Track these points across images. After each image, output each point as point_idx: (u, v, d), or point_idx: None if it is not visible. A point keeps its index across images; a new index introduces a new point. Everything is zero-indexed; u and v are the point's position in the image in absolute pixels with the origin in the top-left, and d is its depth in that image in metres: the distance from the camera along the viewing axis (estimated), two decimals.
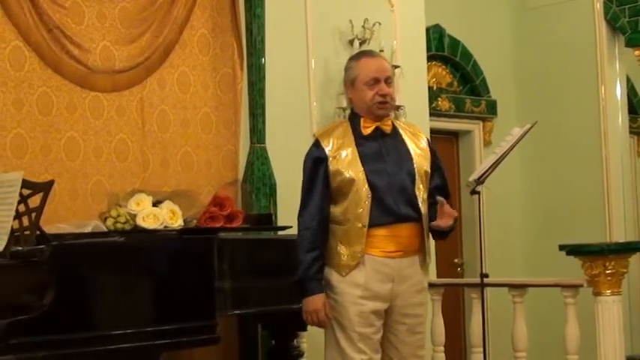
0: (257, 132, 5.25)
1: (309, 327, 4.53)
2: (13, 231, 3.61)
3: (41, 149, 4.45)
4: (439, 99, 7.76)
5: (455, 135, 8.15)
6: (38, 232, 3.61)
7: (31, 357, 3.25)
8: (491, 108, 8.16)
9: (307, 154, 3.81)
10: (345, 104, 5.63)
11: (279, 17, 5.48)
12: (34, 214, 3.61)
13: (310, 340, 5.05)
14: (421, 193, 3.74)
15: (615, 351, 4.86)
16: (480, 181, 4.21)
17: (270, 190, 5.22)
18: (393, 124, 3.85)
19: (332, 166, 3.71)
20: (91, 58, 4.66)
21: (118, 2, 4.78)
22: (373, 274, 3.66)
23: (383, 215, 3.66)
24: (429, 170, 3.81)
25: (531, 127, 4.34)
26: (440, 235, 3.82)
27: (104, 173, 4.68)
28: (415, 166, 3.76)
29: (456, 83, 8.06)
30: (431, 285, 4.63)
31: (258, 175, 5.21)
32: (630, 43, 8.09)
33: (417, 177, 3.74)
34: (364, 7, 6.03)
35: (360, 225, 3.65)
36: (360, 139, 3.76)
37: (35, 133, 4.43)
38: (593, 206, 7.83)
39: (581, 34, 7.98)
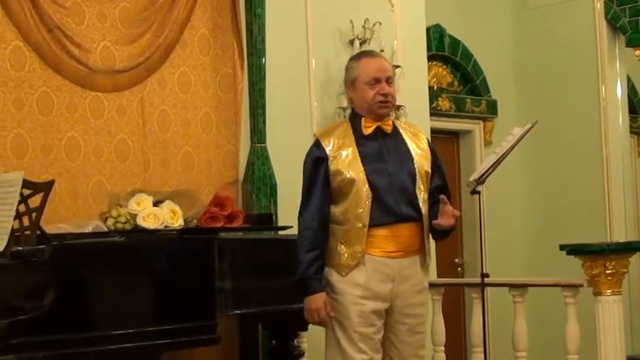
0: (257, 132, 5.25)
1: (309, 327, 4.55)
2: (13, 231, 3.61)
3: (42, 149, 4.45)
4: (439, 99, 7.76)
5: (455, 135, 8.15)
6: (39, 232, 3.61)
7: (31, 357, 3.25)
8: (492, 108, 8.16)
9: (308, 154, 3.81)
10: (345, 104, 5.64)
11: (280, 17, 5.49)
12: (34, 214, 3.61)
13: (311, 340, 5.05)
14: (422, 193, 3.74)
15: (615, 351, 4.86)
16: (480, 180, 4.21)
17: (270, 190, 5.22)
18: (393, 124, 3.85)
19: (332, 166, 3.71)
20: (92, 58, 4.66)
21: (118, 2, 4.78)
22: (373, 274, 3.66)
23: (383, 215, 3.66)
24: (429, 170, 3.81)
25: (532, 127, 4.34)
26: (440, 234, 3.82)
27: (105, 173, 4.68)
28: (416, 166, 3.76)
29: (456, 83, 8.07)
30: (431, 285, 4.63)
31: (259, 175, 5.21)
32: (631, 43, 8.09)
33: (417, 177, 3.74)
34: (364, 7, 6.03)
35: (360, 225, 3.65)
36: (360, 139, 3.76)
37: (36, 133, 4.44)
38: (594, 206, 7.83)
39: (581, 34, 7.98)
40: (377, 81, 3.75)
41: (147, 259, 3.74)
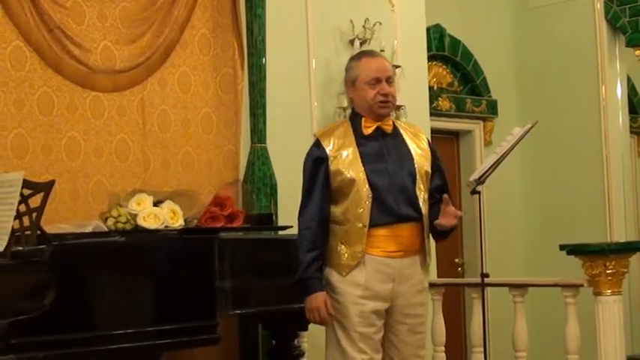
0: (258, 132, 5.25)
1: (309, 326, 4.55)
2: (13, 231, 3.61)
3: (42, 149, 4.45)
4: (440, 99, 7.76)
5: (455, 135, 8.15)
6: (39, 232, 3.61)
7: (31, 357, 3.25)
8: (492, 108, 8.17)
9: (308, 154, 3.81)
10: (345, 104, 5.64)
11: (280, 17, 5.49)
12: (34, 214, 3.61)
13: (311, 340, 5.05)
14: (422, 193, 3.74)
15: (616, 351, 4.86)
16: (480, 181, 4.21)
17: (270, 190, 5.22)
18: (393, 124, 3.85)
19: (332, 165, 3.71)
20: (92, 58, 4.66)
21: (118, 2, 4.78)
22: (374, 273, 3.66)
23: (384, 215, 3.66)
24: (429, 170, 3.81)
25: (532, 127, 4.34)
26: (441, 234, 3.82)
27: (105, 173, 4.68)
28: (416, 166, 3.76)
29: (456, 83, 8.07)
30: (431, 285, 4.63)
31: (259, 175, 5.21)
32: (631, 43, 8.09)
33: (417, 177, 3.74)
34: (365, 7, 6.03)
35: (360, 225, 3.65)
36: (360, 139, 3.76)
37: (36, 133, 4.44)
38: (594, 206, 7.83)
39: (581, 34, 7.98)
40: (377, 81, 3.75)
41: (147, 259, 3.74)
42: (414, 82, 6.33)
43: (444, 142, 7.69)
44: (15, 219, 3.61)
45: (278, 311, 4.41)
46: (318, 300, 3.64)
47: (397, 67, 5.85)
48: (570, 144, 7.97)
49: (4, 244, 3.57)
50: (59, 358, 3.31)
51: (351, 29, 5.93)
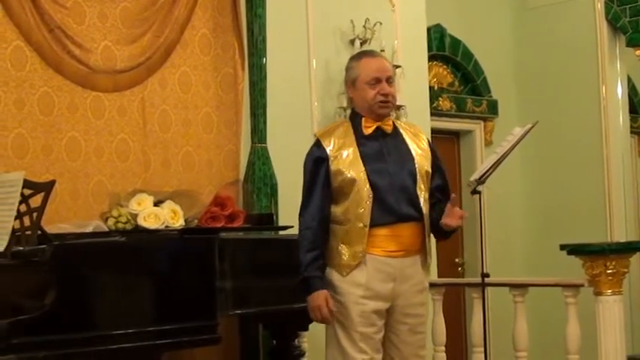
0: (258, 132, 5.25)
1: (310, 326, 4.56)
2: (14, 231, 3.60)
3: (42, 149, 4.45)
4: (440, 99, 7.76)
5: (456, 135, 8.16)
6: (39, 232, 3.61)
7: (32, 357, 3.25)
8: (492, 108, 8.17)
9: (308, 154, 3.81)
10: (346, 104, 5.63)
11: (281, 17, 5.49)
12: (35, 214, 3.61)
13: (311, 340, 5.05)
14: (422, 192, 3.74)
15: (616, 351, 4.86)
16: (480, 180, 4.20)
17: (271, 190, 5.22)
18: (393, 124, 3.85)
19: (333, 165, 3.71)
20: (92, 58, 4.66)
21: (119, 2, 4.78)
22: (375, 273, 3.66)
23: (385, 215, 3.66)
24: (430, 170, 3.81)
25: (532, 127, 4.33)
26: (444, 234, 3.82)
27: (105, 173, 4.68)
28: (416, 165, 3.76)
29: (456, 83, 8.07)
30: (432, 285, 4.63)
31: (260, 175, 5.21)
32: (631, 43, 8.10)
33: (418, 177, 3.74)
34: (365, 7, 6.03)
35: (361, 225, 3.65)
36: (361, 139, 3.76)
37: (36, 133, 4.44)
38: (594, 206, 7.83)
39: (581, 34, 7.98)
40: (377, 81, 3.75)
41: (147, 259, 3.74)
42: (414, 82, 6.33)
43: (444, 142, 7.69)
44: (15, 219, 3.61)
45: (278, 311, 4.41)
46: (319, 298, 3.64)
47: (397, 67, 5.85)
48: (571, 144, 7.97)
49: (5, 244, 3.57)
50: (60, 358, 3.31)
51: (352, 29, 5.93)
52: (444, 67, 7.96)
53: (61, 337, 3.33)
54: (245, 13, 5.29)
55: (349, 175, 3.68)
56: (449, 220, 3.68)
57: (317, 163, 3.74)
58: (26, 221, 3.62)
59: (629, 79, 8.74)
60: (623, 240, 7.43)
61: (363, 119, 3.78)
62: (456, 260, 7.83)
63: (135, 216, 4.15)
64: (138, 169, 4.80)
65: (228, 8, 5.25)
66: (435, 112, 7.33)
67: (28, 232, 3.61)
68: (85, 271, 3.49)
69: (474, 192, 4.23)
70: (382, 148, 3.76)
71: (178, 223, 4.22)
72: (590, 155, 7.91)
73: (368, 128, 3.77)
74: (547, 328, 6.30)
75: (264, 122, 5.27)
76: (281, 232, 4.82)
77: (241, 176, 5.25)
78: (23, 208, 3.63)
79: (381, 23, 6.01)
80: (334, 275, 3.70)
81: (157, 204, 4.22)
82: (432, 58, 7.45)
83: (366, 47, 5.70)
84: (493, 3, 8.25)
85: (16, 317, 3.27)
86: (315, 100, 5.77)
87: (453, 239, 4.02)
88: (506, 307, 5.43)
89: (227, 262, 3.96)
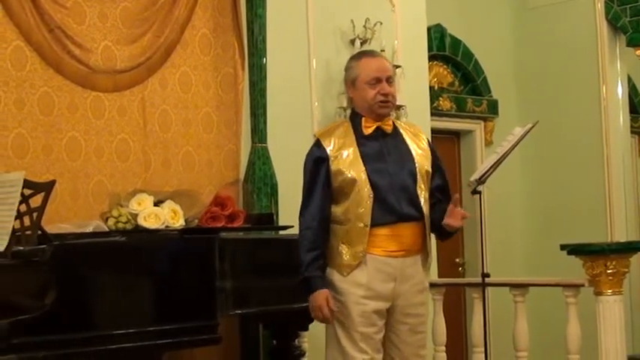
0: (258, 132, 5.26)
1: (310, 326, 4.56)
2: (14, 231, 3.61)
3: (43, 149, 4.45)
4: (440, 99, 7.76)
5: (456, 135, 8.15)
6: (39, 232, 3.61)
7: (32, 357, 3.25)
8: (493, 108, 8.16)
9: (308, 154, 3.81)
10: (346, 104, 5.63)
11: (281, 17, 5.49)
12: (35, 214, 3.61)
13: (311, 340, 5.05)
14: (423, 192, 3.74)
15: (616, 350, 4.86)
16: (481, 180, 4.20)
17: (271, 189, 5.22)
18: (393, 124, 3.85)
19: (333, 165, 3.71)
20: (93, 58, 4.66)
21: (119, 2, 4.78)
22: (375, 273, 3.66)
23: (385, 215, 3.65)
24: (430, 170, 3.81)
25: (532, 127, 4.33)
26: (446, 235, 3.82)
27: (105, 173, 4.68)
28: (417, 165, 3.75)
29: (457, 83, 8.06)
30: (432, 285, 4.64)
31: (260, 175, 5.21)
32: (631, 43, 8.09)
33: (418, 176, 3.74)
34: (365, 7, 6.03)
35: (362, 225, 3.65)
36: (361, 139, 3.76)
37: (37, 133, 4.44)
38: (595, 206, 7.83)
39: (582, 34, 7.98)
40: (377, 81, 3.75)
41: (148, 259, 3.74)
42: (414, 82, 6.33)
43: (444, 142, 7.69)
44: (16, 219, 3.61)
45: (279, 311, 4.41)
46: (319, 298, 3.64)
47: (398, 67, 5.85)
48: (571, 144, 7.96)
49: (5, 244, 3.57)
50: (60, 357, 3.31)
51: (352, 29, 5.93)
52: (445, 67, 7.95)
53: (62, 337, 3.33)
54: (245, 12, 5.29)
55: (350, 175, 3.68)
56: (451, 220, 3.68)
57: (317, 163, 3.74)
58: (26, 221, 3.62)
59: (630, 79, 8.73)
60: (623, 240, 7.42)
61: (363, 119, 3.78)
62: (457, 260, 7.83)
63: (135, 216, 4.15)
64: (138, 169, 4.81)
65: (229, 8, 5.25)
66: (436, 112, 7.33)
67: (29, 232, 3.61)
68: (85, 271, 3.49)
69: (475, 192, 4.22)
70: (382, 148, 3.75)
71: (178, 223, 4.22)
72: (590, 155, 7.90)
73: (368, 128, 3.77)
74: (547, 328, 6.30)
75: (265, 122, 5.27)
76: (281, 232, 4.82)
77: (241, 176, 5.25)
78: (23, 208, 3.63)
79: (381, 23, 6.01)
80: (335, 275, 3.70)
81: (157, 204, 4.22)
82: (432, 58, 7.45)
83: (366, 47, 5.70)
84: (493, 3, 8.25)
85: (17, 317, 3.27)
86: (315, 100, 5.77)
87: (453, 239, 4.02)
88: (506, 307, 5.42)
89: (227, 262, 3.96)
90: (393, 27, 6.22)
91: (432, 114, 6.86)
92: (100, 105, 4.70)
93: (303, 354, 4.98)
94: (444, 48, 7.82)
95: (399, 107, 5.87)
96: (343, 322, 3.67)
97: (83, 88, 4.63)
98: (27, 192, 3.67)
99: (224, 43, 5.23)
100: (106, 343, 3.45)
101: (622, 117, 8.18)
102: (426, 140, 3.92)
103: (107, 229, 4.13)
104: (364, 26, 5.94)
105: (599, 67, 7.91)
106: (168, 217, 4.18)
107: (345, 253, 3.68)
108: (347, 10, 5.94)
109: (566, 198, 7.95)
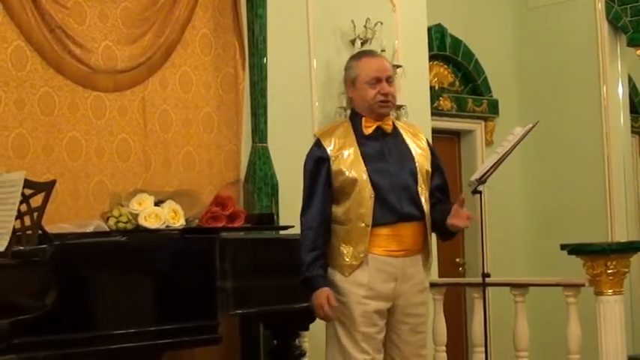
0: (259, 132, 5.26)
1: (310, 326, 4.56)
2: (15, 231, 3.60)
3: (43, 149, 4.45)
4: (441, 99, 7.76)
5: (457, 135, 8.15)
6: (40, 232, 3.61)
7: (32, 357, 3.25)
8: (493, 107, 8.16)
9: (308, 154, 3.81)
10: (346, 104, 5.63)
11: (281, 17, 5.49)
12: (35, 214, 3.61)
13: (312, 340, 5.05)
14: (423, 192, 3.74)
15: (617, 350, 4.86)
16: (481, 180, 4.20)
17: (271, 189, 5.22)
18: (393, 124, 3.85)
19: (334, 166, 3.71)
20: (93, 58, 4.66)
21: (119, 2, 4.79)
22: (376, 273, 3.66)
23: (386, 214, 3.65)
24: (430, 170, 3.81)
25: (533, 127, 4.33)
26: (448, 235, 3.82)
27: (106, 173, 4.69)
28: (417, 165, 3.76)
29: (457, 83, 8.06)
30: (432, 285, 4.64)
31: (260, 175, 5.21)
32: (632, 43, 8.09)
33: (419, 176, 3.74)
34: (366, 7, 6.03)
35: (363, 225, 3.65)
36: (361, 139, 3.76)
37: (37, 132, 4.44)
38: (595, 206, 7.83)
39: (582, 34, 7.98)
40: (377, 80, 3.75)
41: (148, 258, 3.74)
42: (415, 82, 6.33)
43: (445, 141, 7.69)
44: (16, 219, 3.61)
45: (279, 311, 4.41)
46: (321, 296, 3.63)
47: (398, 66, 5.85)
48: (571, 144, 7.96)
49: (6, 243, 3.57)
50: (60, 357, 3.31)
51: (352, 29, 5.93)
52: (445, 66, 7.95)
53: (62, 337, 3.33)
54: (246, 13, 5.29)
55: (350, 175, 3.68)
56: (456, 220, 3.68)
57: (318, 163, 3.74)
58: (27, 221, 3.62)
59: (630, 79, 8.73)
60: (623, 240, 7.42)
61: (363, 119, 3.78)
62: (457, 260, 7.83)
63: (136, 216, 4.15)
64: (138, 169, 4.81)
65: (229, 8, 5.26)
66: (436, 112, 7.33)
67: (29, 232, 3.61)
68: (86, 270, 3.49)
69: (475, 192, 4.23)
70: (383, 147, 3.75)
71: (179, 222, 4.22)
72: (590, 155, 7.90)
73: (368, 128, 3.77)
74: (548, 327, 6.30)
75: (265, 122, 5.27)
76: (282, 232, 4.82)
77: (242, 176, 5.25)
78: (24, 207, 3.63)
79: (381, 23, 6.01)
80: (337, 275, 3.70)
81: (157, 204, 4.23)
82: (432, 57, 7.45)
83: (366, 47, 5.70)
84: (494, 3, 8.25)
85: (17, 317, 3.27)
86: (315, 99, 5.77)
87: (453, 239, 4.02)
88: (506, 307, 5.42)
89: (228, 262, 3.96)
90: (394, 27, 6.22)
91: (433, 114, 6.86)
92: (101, 105, 4.70)
93: (303, 354, 4.98)
94: (444, 48, 7.83)
95: (399, 107, 5.88)
96: (344, 322, 3.67)
97: (84, 88, 4.63)
98: (27, 192, 3.66)
99: (224, 43, 5.23)
100: (106, 343, 3.45)
101: (622, 117, 8.18)
102: (425, 140, 3.92)
103: (108, 229, 4.13)
104: (364, 26, 5.94)
105: (600, 67, 7.91)
106: (168, 217, 4.18)
107: (347, 253, 3.68)
108: (347, 10, 5.94)
109: (567, 198, 7.95)
